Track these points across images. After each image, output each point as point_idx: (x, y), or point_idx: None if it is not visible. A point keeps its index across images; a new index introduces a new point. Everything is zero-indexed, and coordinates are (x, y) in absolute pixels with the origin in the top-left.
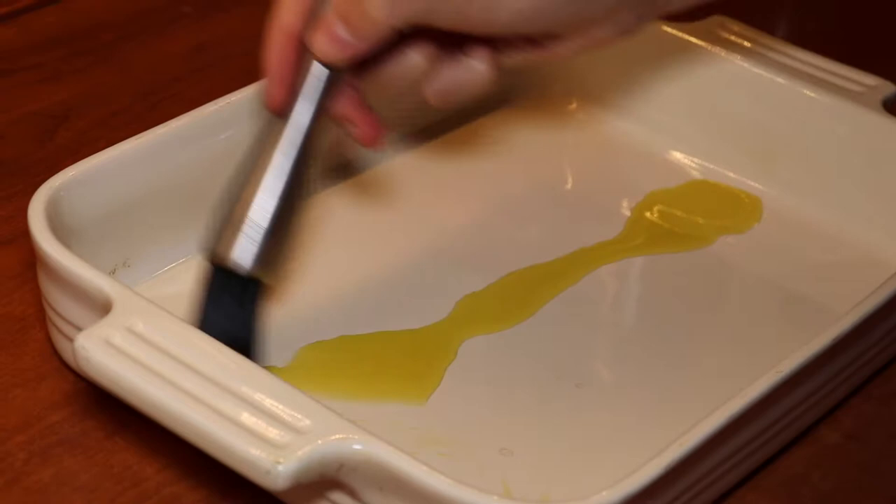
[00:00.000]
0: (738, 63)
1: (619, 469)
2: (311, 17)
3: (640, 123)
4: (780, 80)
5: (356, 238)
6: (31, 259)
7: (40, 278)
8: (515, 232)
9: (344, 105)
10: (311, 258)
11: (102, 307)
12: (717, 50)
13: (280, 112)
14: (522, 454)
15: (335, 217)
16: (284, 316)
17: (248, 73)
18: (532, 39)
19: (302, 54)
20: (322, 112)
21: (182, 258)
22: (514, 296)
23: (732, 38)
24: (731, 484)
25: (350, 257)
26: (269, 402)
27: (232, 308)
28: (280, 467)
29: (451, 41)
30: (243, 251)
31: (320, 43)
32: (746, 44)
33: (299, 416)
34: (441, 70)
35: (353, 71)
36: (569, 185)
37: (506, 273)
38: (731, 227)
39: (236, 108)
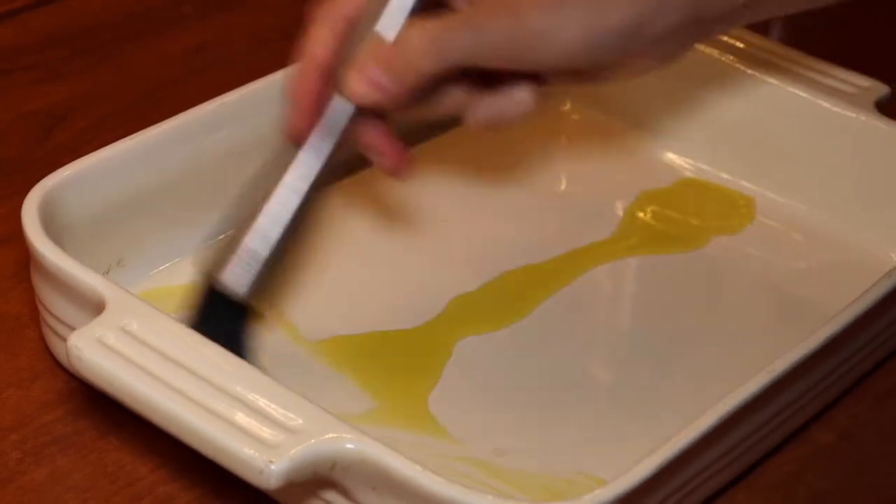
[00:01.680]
0: (732, 64)
1: (611, 468)
2: (343, 52)
3: (634, 124)
4: (773, 80)
5: (347, 239)
6: (26, 259)
7: (34, 278)
8: (509, 232)
9: (370, 135)
10: (303, 258)
11: (96, 307)
12: (710, 51)
13: (298, 142)
14: (516, 454)
15: (329, 217)
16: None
17: (246, 73)
18: (577, 71)
19: (329, 88)
20: (339, 145)
21: (176, 258)
22: (508, 296)
23: (726, 39)
24: (723, 483)
25: (341, 258)
26: (261, 402)
27: (222, 328)
28: (273, 466)
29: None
30: (238, 277)
31: (355, 84)
32: (740, 45)
33: (292, 416)
34: (483, 100)
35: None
36: (563, 186)
37: (499, 273)
38: (724, 227)
39: (231, 108)
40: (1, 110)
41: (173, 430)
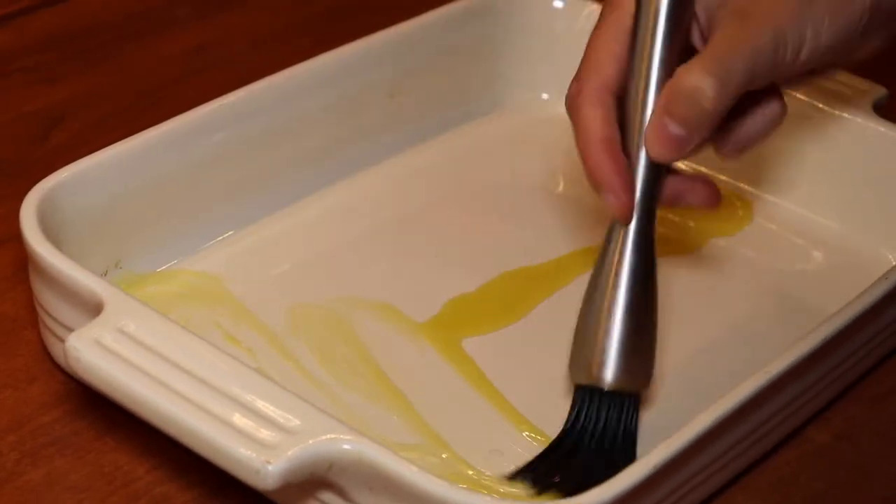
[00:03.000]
0: None
1: None
2: (618, 122)
3: None
4: None
5: (346, 239)
6: (24, 260)
7: (32, 279)
8: (507, 234)
9: (672, 182)
10: (302, 259)
11: (94, 308)
12: None
13: (628, 218)
14: (513, 455)
15: (327, 218)
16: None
17: (243, 75)
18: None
19: (622, 156)
20: (656, 203)
21: (174, 260)
22: (506, 298)
23: None
24: (720, 484)
25: (340, 258)
26: (259, 403)
27: (612, 425)
28: (270, 467)
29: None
30: (607, 368)
31: (656, 146)
32: None
33: (289, 417)
34: (739, 127)
35: None
36: (560, 188)
37: (497, 275)
38: (722, 229)
39: (229, 110)
40: (0, 111)
41: (171, 430)
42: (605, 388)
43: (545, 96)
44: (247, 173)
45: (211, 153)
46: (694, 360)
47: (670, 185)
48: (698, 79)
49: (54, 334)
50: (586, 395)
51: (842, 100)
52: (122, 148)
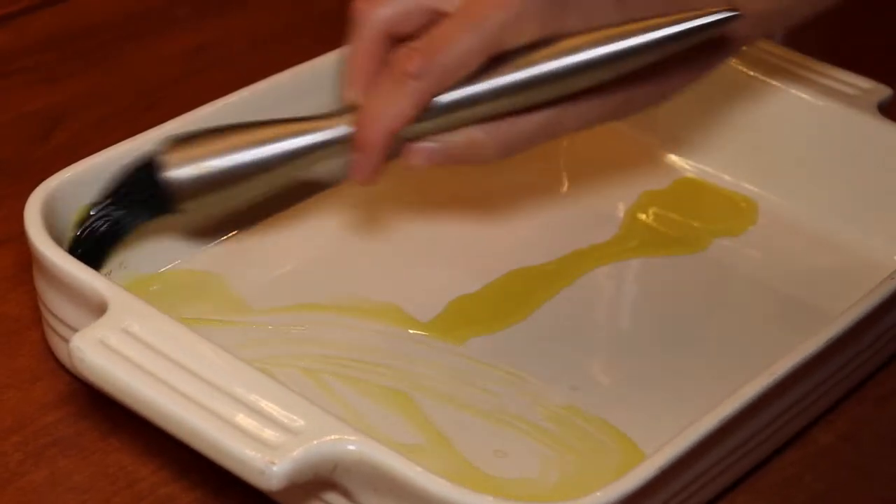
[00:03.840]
0: (735, 66)
1: (614, 470)
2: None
3: (636, 126)
4: (775, 83)
5: (350, 238)
6: (27, 260)
7: (36, 279)
8: (511, 234)
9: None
10: (306, 258)
11: (98, 308)
12: None
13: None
14: (516, 456)
15: (331, 218)
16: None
17: (244, 75)
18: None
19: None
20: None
21: (178, 260)
22: (509, 297)
23: None
24: (724, 485)
25: (343, 258)
26: (263, 403)
27: (132, 199)
28: (274, 468)
29: None
30: (182, 174)
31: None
32: (742, 47)
33: (294, 417)
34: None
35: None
36: (564, 188)
37: (500, 275)
38: (726, 229)
39: (231, 109)
40: (0, 112)
41: (175, 431)
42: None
43: None
44: None
45: None
46: (697, 360)
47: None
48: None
49: (58, 334)
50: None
51: (847, 100)
52: (126, 147)
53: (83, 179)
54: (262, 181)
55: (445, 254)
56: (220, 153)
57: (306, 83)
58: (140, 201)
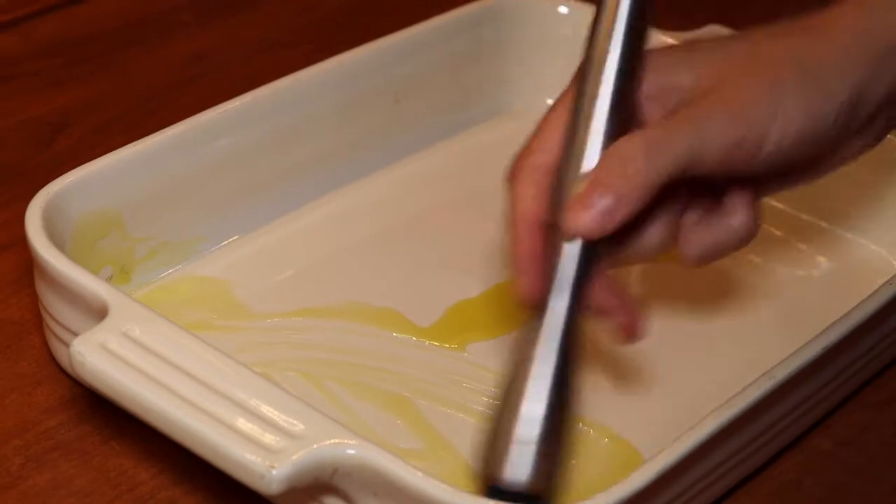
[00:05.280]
0: None
1: (614, 475)
2: (551, 202)
3: None
4: None
5: (351, 244)
6: (29, 264)
7: (37, 284)
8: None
9: (600, 293)
10: (306, 264)
11: (99, 312)
12: None
13: (535, 304)
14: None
15: (331, 223)
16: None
17: (246, 80)
18: (788, 171)
19: (548, 243)
20: (579, 301)
21: (179, 264)
22: (509, 303)
23: None
24: (724, 490)
25: (344, 263)
26: (264, 408)
27: None
28: (275, 472)
29: (706, 194)
30: (516, 467)
31: (577, 216)
32: None
33: (294, 421)
34: (699, 230)
35: (609, 246)
36: None
37: (500, 280)
38: None
39: (233, 115)
40: (2, 117)
41: (175, 435)
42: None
43: (550, 101)
44: (251, 178)
45: (216, 158)
46: (697, 365)
47: (598, 295)
48: (633, 146)
49: (59, 339)
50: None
51: None
52: (128, 152)
53: (85, 184)
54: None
55: (446, 259)
56: (519, 419)
57: (308, 89)
58: None
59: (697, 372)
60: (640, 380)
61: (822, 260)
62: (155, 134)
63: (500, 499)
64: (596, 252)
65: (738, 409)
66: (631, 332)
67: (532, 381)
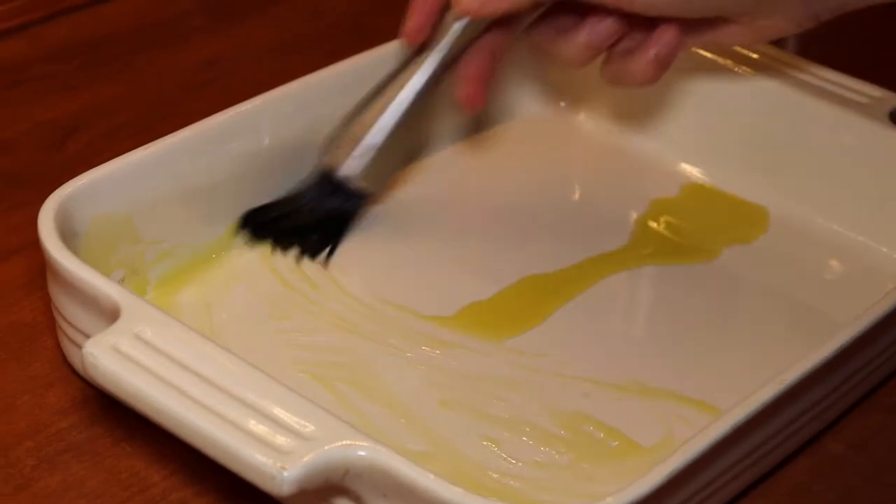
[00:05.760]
0: (746, 74)
1: (624, 476)
2: None
3: (648, 135)
4: (786, 91)
5: (362, 244)
6: (41, 267)
7: (50, 286)
8: (523, 241)
9: (471, 63)
10: (326, 272)
11: (111, 314)
12: (725, 62)
13: (415, 44)
14: (527, 462)
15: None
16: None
17: (257, 85)
18: (700, 22)
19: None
20: (451, 61)
21: (190, 267)
22: (521, 305)
23: (740, 50)
24: (734, 493)
25: (354, 265)
26: (275, 409)
27: (334, 208)
28: (286, 473)
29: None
30: (355, 166)
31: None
32: (754, 56)
33: (305, 423)
34: (617, 57)
35: (499, 30)
36: (576, 196)
37: (512, 282)
38: (737, 237)
39: (245, 118)
40: (15, 121)
41: (186, 436)
42: (342, 178)
43: (562, 104)
44: (261, 181)
45: (226, 161)
46: (708, 367)
47: (470, 66)
48: None
49: (72, 340)
50: (322, 176)
51: (858, 108)
52: (139, 156)
53: (97, 188)
54: (410, 132)
55: (458, 260)
56: (368, 128)
57: (317, 93)
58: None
59: (708, 375)
60: (652, 383)
61: (834, 263)
62: (166, 137)
63: (332, 187)
64: (477, 28)
65: (748, 412)
66: (470, 102)
67: (393, 101)
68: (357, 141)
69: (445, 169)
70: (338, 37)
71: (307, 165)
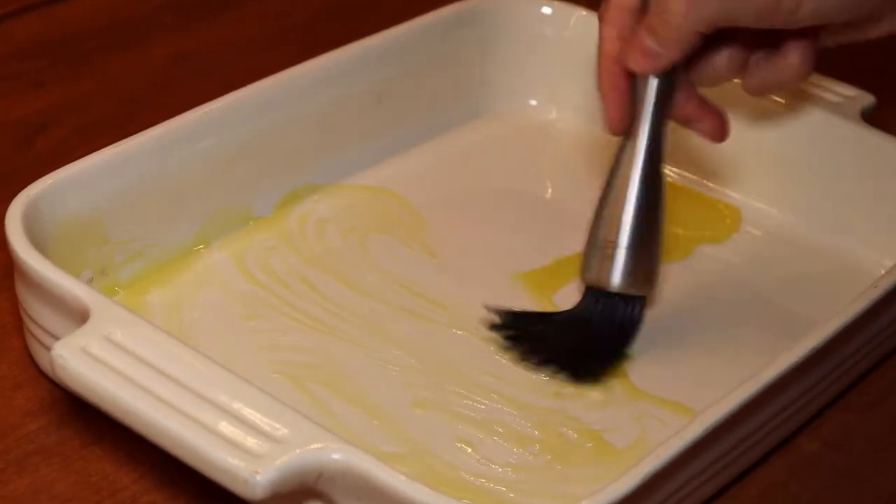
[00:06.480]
0: None
1: (598, 478)
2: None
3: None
4: None
5: (334, 246)
6: (8, 267)
7: (17, 286)
8: (495, 240)
9: (685, 105)
10: (288, 269)
11: (80, 316)
12: None
13: (622, 133)
14: (501, 464)
15: (314, 226)
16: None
17: (227, 82)
18: (841, 28)
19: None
20: (662, 121)
21: (160, 268)
22: (493, 304)
23: None
24: (711, 493)
25: (329, 265)
26: (247, 412)
27: (615, 324)
28: (258, 477)
29: (765, 37)
30: (614, 272)
31: (633, 59)
32: None
33: (277, 426)
34: (756, 65)
35: (682, 73)
36: (548, 195)
37: (483, 281)
38: (709, 237)
39: (214, 116)
40: None
41: (157, 439)
42: (613, 290)
43: (533, 102)
44: (232, 180)
45: (197, 160)
46: (681, 368)
47: (683, 108)
48: (677, 2)
49: (40, 342)
50: (594, 294)
51: (830, 107)
52: (108, 154)
53: (65, 187)
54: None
55: (429, 259)
56: (617, 233)
57: (289, 90)
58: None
59: (682, 375)
60: (623, 384)
61: (806, 261)
62: (136, 135)
63: (602, 300)
64: (669, 80)
65: (724, 412)
66: (718, 133)
67: (626, 197)
68: (610, 249)
69: (416, 168)
70: (309, 34)
71: (279, 164)
